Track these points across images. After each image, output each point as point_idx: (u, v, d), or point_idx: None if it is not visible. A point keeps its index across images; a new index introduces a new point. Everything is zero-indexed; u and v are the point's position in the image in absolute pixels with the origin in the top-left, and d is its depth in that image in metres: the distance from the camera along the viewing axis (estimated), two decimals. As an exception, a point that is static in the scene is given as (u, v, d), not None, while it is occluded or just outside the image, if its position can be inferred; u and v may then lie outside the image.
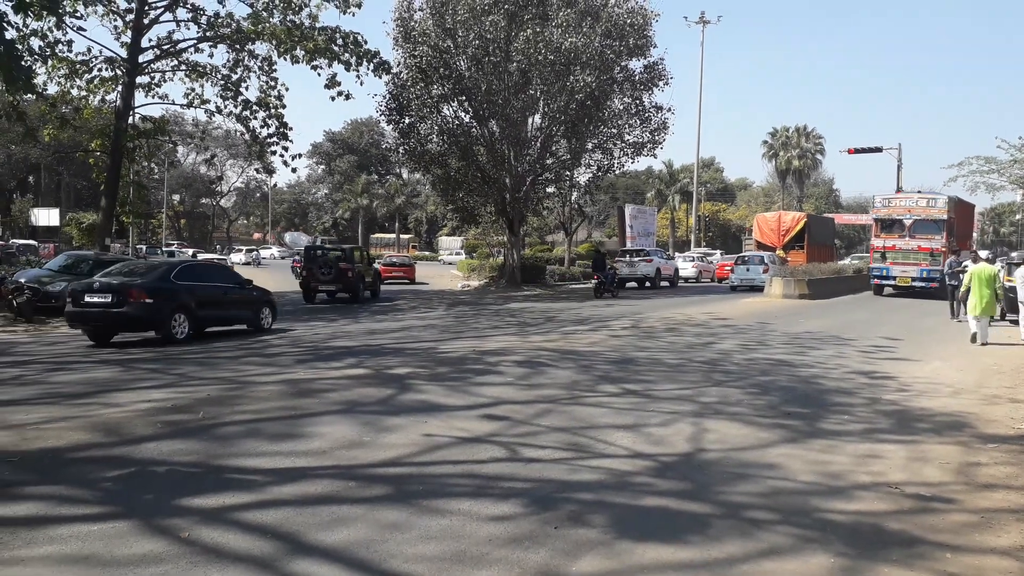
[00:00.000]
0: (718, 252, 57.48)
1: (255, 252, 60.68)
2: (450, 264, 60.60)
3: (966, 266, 18.65)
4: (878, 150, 39.51)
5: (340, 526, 5.10)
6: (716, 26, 68.44)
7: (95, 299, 13.99)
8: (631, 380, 10.81)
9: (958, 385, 10.94)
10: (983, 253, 31.28)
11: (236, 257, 44.58)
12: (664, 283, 35.89)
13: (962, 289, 16.57)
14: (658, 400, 9.45)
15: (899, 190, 44.91)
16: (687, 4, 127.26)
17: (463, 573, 4.48)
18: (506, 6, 29.73)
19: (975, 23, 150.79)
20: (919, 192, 30.33)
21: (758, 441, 7.54)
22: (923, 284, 28.16)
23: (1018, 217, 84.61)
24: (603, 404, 9.19)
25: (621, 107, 33.99)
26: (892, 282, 28.92)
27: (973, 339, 15.53)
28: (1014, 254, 29.03)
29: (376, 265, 32.69)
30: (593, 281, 30.47)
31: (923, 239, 28.36)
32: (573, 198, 41.58)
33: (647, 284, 35.02)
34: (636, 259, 35.74)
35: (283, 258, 66.39)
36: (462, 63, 31.37)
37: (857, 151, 41.31)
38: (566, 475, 6.31)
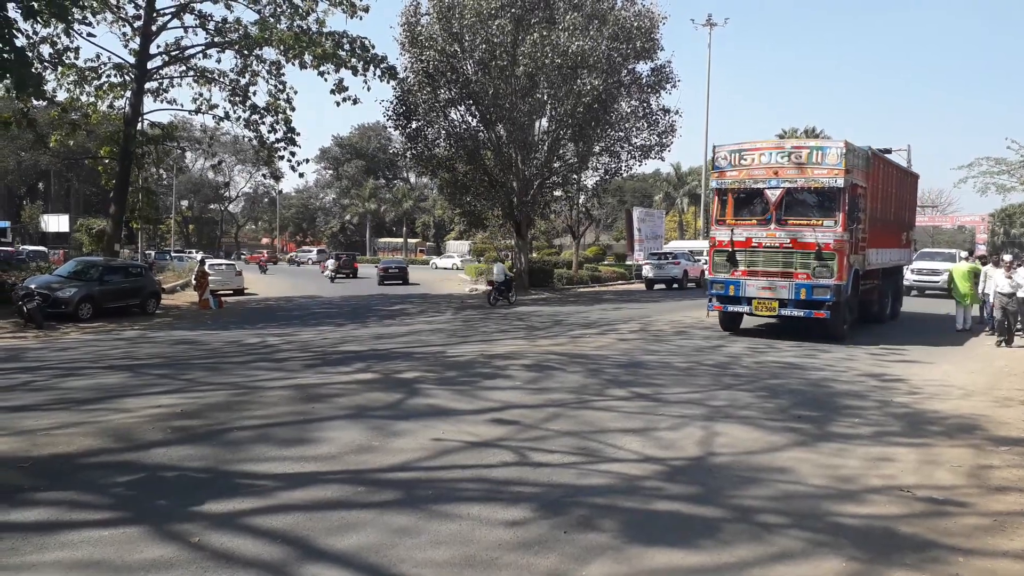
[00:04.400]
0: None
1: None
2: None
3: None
4: (887, 151, 39.07)
5: (350, 531, 5.10)
6: (723, 28, 68.53)
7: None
8: (640, 384, 10.78)
9: (969, 387, 10.88)
10: (963, 253, 26.81)
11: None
12: (691, 284, 36.92)
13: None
14: (668, 404, 9.42)
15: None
16: (694, 6, 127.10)
17: (473, 578, 4.47)
18: (513, 10, 29.75)
19: (984, 23, 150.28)
20: (798, 138, 15.40)
21: (768, 445, 7.51)
22: (801, 312, 15.43)
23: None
24: (612, 408, 9.18)
25: (628, 110, 33.95)
26: (746, 308, 16.03)
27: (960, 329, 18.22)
28: (1006, 256, 20.64)
29: None
30: None
31: (801, 226, 15.37)
32: (580, 201, 41.54)
33: (675, 285, 35.89)
34: (664, 262, 37.00)
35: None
36: (469, 67, 31.41)
37: (865, 152, 40.96)
38: (576, 479, 6.29)
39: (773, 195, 15.46)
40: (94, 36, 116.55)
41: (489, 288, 26.65)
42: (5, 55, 16.23)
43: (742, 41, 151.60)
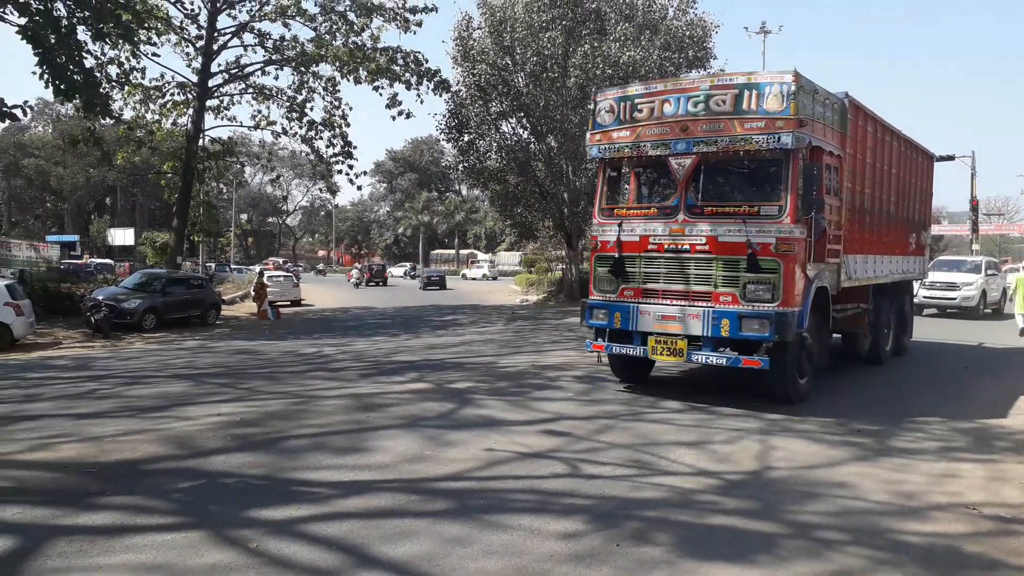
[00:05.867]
0: None
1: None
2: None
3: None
4: (950, 158, 37.72)
5: (403, 539, 5.15)
6: (777, 35, 67.35)
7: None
8: (694, 395, 10.64)
9: (1040, 402, 10.45)
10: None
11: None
12: None
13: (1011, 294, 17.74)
14: (722, 416, 9.27)
15: (974, 202, 41.99)
16: (749, 14, 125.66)
17: (525, 589, 4.47)
18: (564, 22, 29.85)
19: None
20: (718, 73, 10.11)
21: (827, 459, 7.34)
22: (721, 359, 9.43)
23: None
24: (665, 420, 9.08)
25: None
26: (640, 349, 10.03)
27: (1021, 333, 17.70)
28: None
29: None
30: None
31: (725, 216, 9.63)
32: (632, 212, 41.23)
33: None
34: None
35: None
36: (520, 80, 31.57)
37: (927, 160, 39.87)
38: (628, 492, 6.25)
39: (681, 166, 9.72)
40: (158, 56, 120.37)
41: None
42: (75, 76, 16.90)
43: (797, 47, 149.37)
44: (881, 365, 13.41)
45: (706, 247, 9.58)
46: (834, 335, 12.18)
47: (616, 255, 10.27)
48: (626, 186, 11.27)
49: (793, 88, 9.12)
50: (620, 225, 10.29)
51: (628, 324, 10.07)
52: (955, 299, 23.50)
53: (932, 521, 5.68)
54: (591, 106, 10.65)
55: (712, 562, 4.85)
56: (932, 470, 6.99)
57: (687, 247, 9.73)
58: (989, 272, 24.54)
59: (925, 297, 23.20)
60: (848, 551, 5.10)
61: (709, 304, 9.49)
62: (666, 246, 9.90)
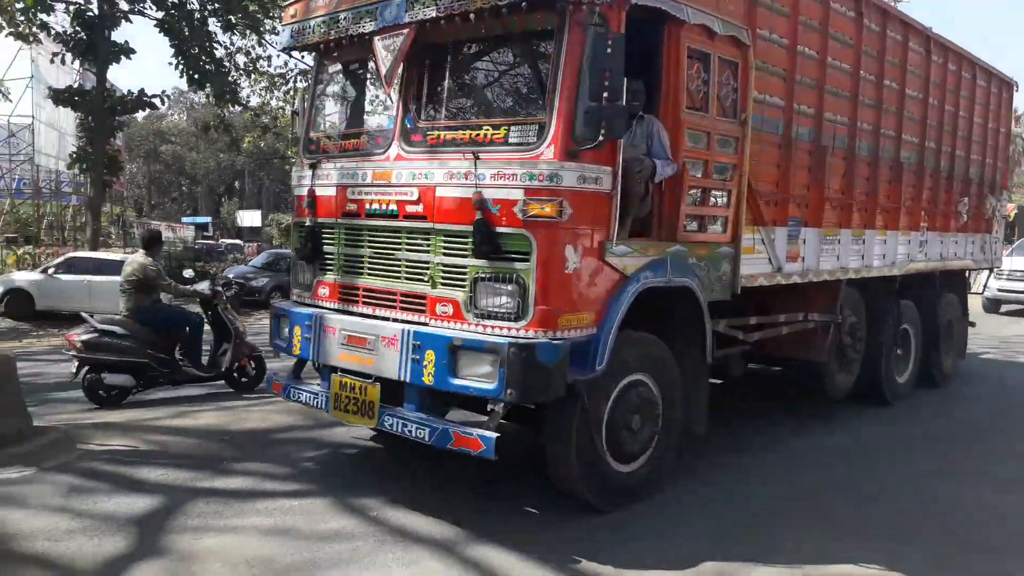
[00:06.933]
0: None
1: None
2: None
3: None
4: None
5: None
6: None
7: None
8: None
9: None
10: None
11: None
12: None
13: None
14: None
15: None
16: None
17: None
18: None
19: None
20: None
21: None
22: (418, 426, 4.87)
23: None
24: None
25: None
26: (320, 398, 5.66)
27: None
28: None
29: None
30: None
31: (451, 149, 4.94)
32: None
33: None
34: None
35: None
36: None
37: None
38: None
39: (390, 51, 5.06)
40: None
41: None
42: (207, 66, 17.87)
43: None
44: (889, 406, 8.57)
45: (420, 208, 5.09)
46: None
47: (308, 222, 5.95)
48: (351, 99, 6.49)
49: None
50: (314, 169, 5.92)
51: (309, 351, 5.83)
52: None
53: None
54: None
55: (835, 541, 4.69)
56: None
57: (394, 208, 5.26)
58: None
59: (1000, 291, 17.72)
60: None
61: (422, 318, 5.09)
62: (368, 206, 5.44)
